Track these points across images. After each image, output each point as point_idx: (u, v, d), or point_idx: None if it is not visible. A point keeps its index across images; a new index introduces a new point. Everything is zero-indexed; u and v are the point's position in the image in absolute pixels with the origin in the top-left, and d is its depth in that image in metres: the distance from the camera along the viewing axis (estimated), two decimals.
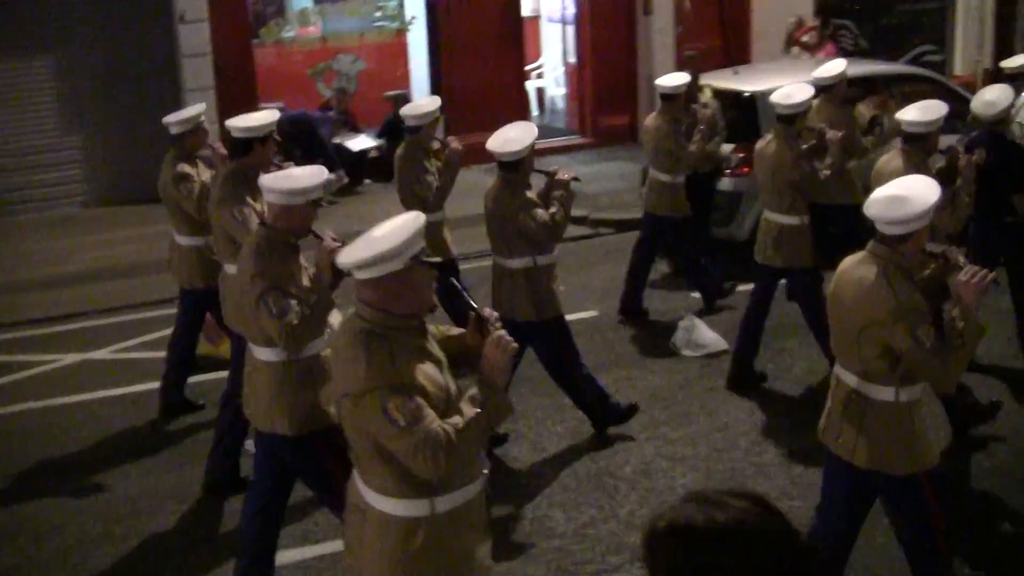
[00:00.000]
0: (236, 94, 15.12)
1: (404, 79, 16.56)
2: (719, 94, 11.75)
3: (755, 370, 8.73)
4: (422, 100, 8.45)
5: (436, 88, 16.23)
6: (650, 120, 10.39)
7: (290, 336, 5.20)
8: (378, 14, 16.75)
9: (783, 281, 8.90)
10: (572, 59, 17.58)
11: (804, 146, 8.51)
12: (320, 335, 5.39)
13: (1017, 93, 8.53)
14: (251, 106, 15.35)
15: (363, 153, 15.48)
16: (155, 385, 8.82)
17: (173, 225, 8.19)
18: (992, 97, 8.13)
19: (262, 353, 5.53)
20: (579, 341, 9.35)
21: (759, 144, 8.67)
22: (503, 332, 3.99)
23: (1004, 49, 20.14)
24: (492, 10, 16.28)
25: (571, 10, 17.48)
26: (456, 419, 3.82)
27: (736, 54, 17.29)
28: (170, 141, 8.08)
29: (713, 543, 2.09)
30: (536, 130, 7.24)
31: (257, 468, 5.86)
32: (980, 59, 20.19)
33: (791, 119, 8.37)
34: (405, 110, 8.77)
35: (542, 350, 7.54)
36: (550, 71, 18.85)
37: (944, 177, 6.96)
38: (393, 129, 13.89)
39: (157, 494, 7.48)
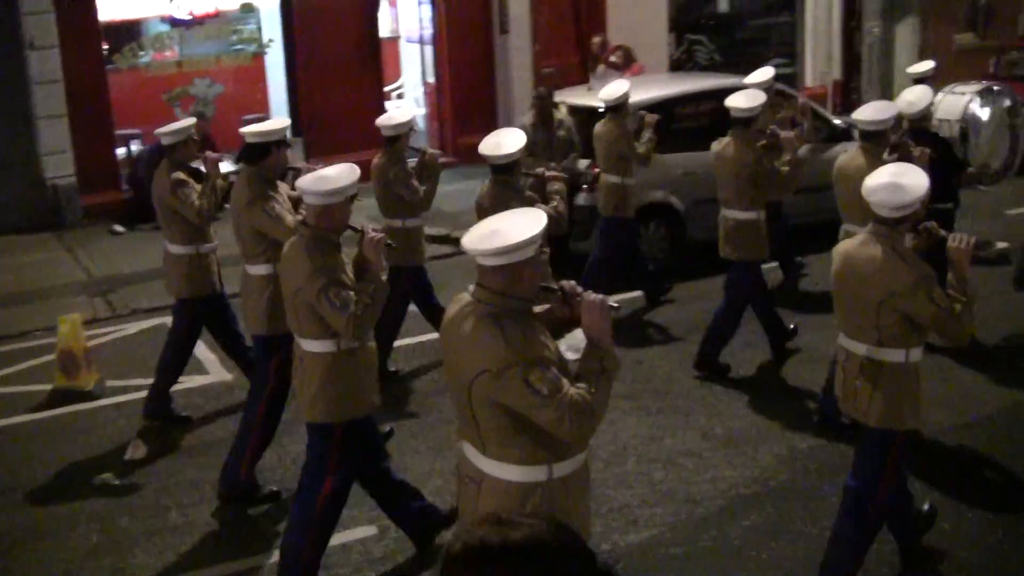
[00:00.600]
0: (90, 121, 14.90)
1: (262, 102, 16.49)
2: (574, 110, 11.94)
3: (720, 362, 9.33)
4: (395, 112, 8.58)
5: (295, 111, 16.22)
6: (598, 127, 10.68)
7: (355, 326, 5.55)
8: (235, 37, 16.63)
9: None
10: (431, 79, 17.69)
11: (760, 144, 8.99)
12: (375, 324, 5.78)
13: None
14: (107, 133, 15.23)
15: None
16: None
17: (166, 235, 8.35)
18: (913, 97, 8.88)
19: (312, 345, 5.81)
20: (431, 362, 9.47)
21: (716, 147, 9.18)
22: (592, 295, 4.31)
23: (851, 61, 20.93)
24: (349, 32, 16.32)
25: (428, 30, 17.59)
26: (582, 384, 4.19)
27: (592, 70, 17.56)
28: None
29: (508, 561, 2.14)
30: (524, 135, 7.65)
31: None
32: (828, 71, 20.90)
33: (747, 122, 8.92)
34: (381, 121, 8.82)
35: None
36: (409, 91, 18.94)
37: None
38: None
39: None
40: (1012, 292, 10.42)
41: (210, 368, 10.02)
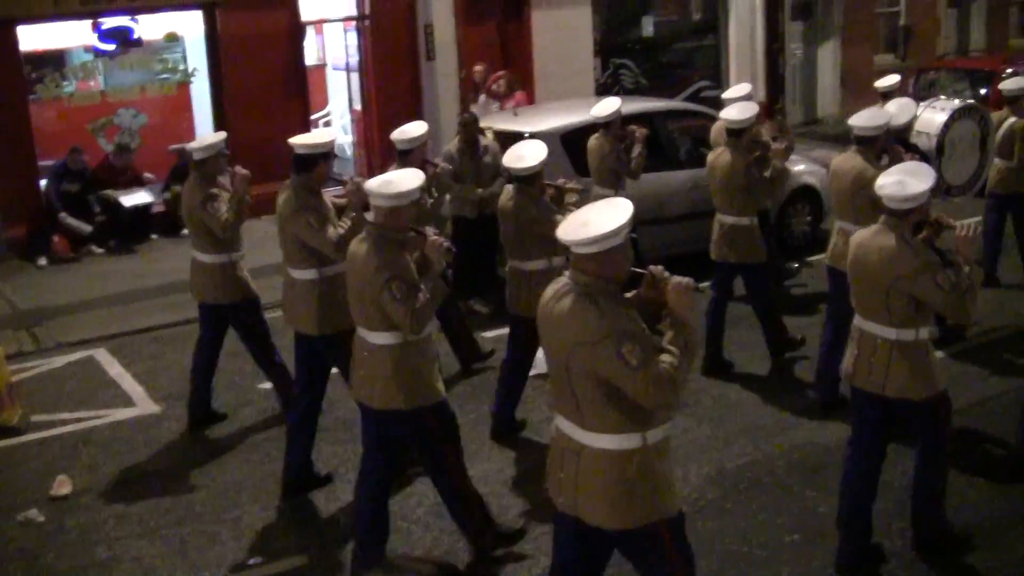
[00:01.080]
0: (12, 151, 14.72)
1: (188, 132, 16.38)
2: (500, 136, 12.02)
3: (724, 358, 9.89)
4: (410, 125, 8.91)
5: None
6: (591, 142, 11.05)
7: (415, 319, 5.98)
8: (159, 67, 16.54)
9: None
10: (358, 106, 17.71)
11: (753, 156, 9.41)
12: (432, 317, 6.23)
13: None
14: (29, 164, 15.04)
15: (143, 209, 15.26)
16: None
17: (196, 246, 8.72)
18: (896, 109, 9.45)
19: (379, 338, 6.19)
20: (340, 393, 9.30)
21: (711, 156, 9.77)
22: (678, 278, 4.82)
23: (774, 83, 21.27)
24: (275, 60, 16.29)
25: (355, 58, 17.61)
26: (667, 357, 4.64)
27: (475, 100, 17.69)
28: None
29: None
30: (544, 148, 7.95)
31: (368, 449, 6.56)
32: (754, 91, 21.19)
33: (740, 133, 9.41)
34: (395, 135, 8.93)
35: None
36: (337, 119, 18.92)
37: None
38: (180, 177, 13.71)
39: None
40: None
41: (138, 401, 9.95)
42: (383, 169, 16.50)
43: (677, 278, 4.81)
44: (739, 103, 9.87)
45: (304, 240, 7.41)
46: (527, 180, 8.07)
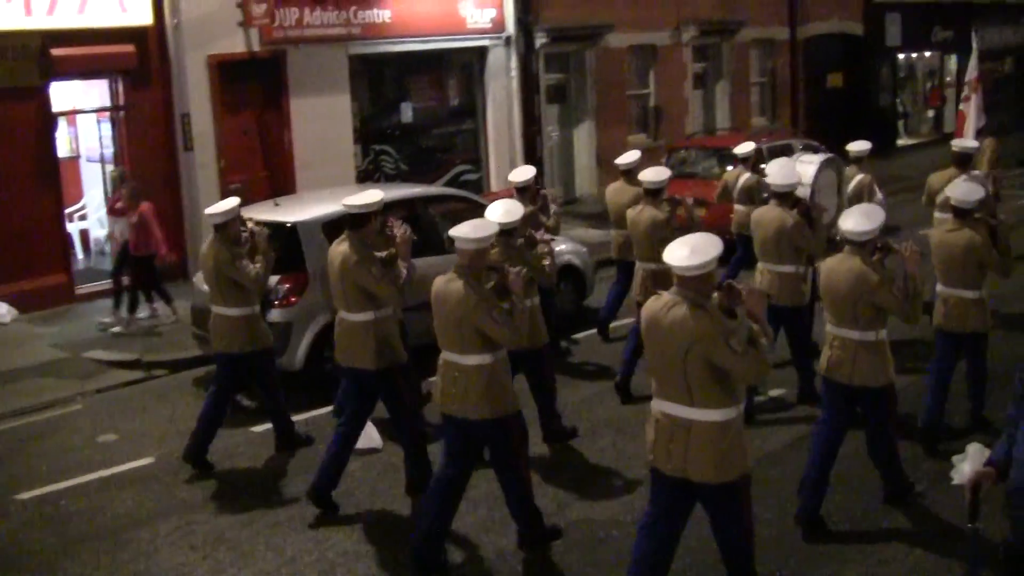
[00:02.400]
0: None
1: None
2: (262, 226, 11.91)
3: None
4: (365, 192, 8.99)
5: None
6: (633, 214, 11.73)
7: (513, 334, 7.30)
8: None
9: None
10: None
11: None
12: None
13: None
14: None
15: None
16: None
17: (219, 300, 9.78)
18: (777, 170, 10.93)
19: (473, 359, 7.39)
20: (130, 492, 9.26)
21: (631, 212, 11.51)
22: (753, 286, 6.56)
23: (533, 163, 21.80)
24: (25, 151, 15.76)
25: (110, 149, 17.26)
26: (754, 347, 6.13)
27: (281, 184, 17.69)
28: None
29: None
30: (522, 207, 8.77)
31: (451, 457, 7.69)
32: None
33: (657, 192, 11.30)
34: (350, 200, 9.01)
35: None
36: (93, 212, 18.42)
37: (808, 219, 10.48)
38: None
39: None
40: None
41: None
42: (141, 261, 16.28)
43: (753, 287, 6.52)
44: (655, 167, 11.90)
45: (366, 287, 8.49)
46: (508, 233, 9.15)
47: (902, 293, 7.76)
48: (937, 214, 12.89)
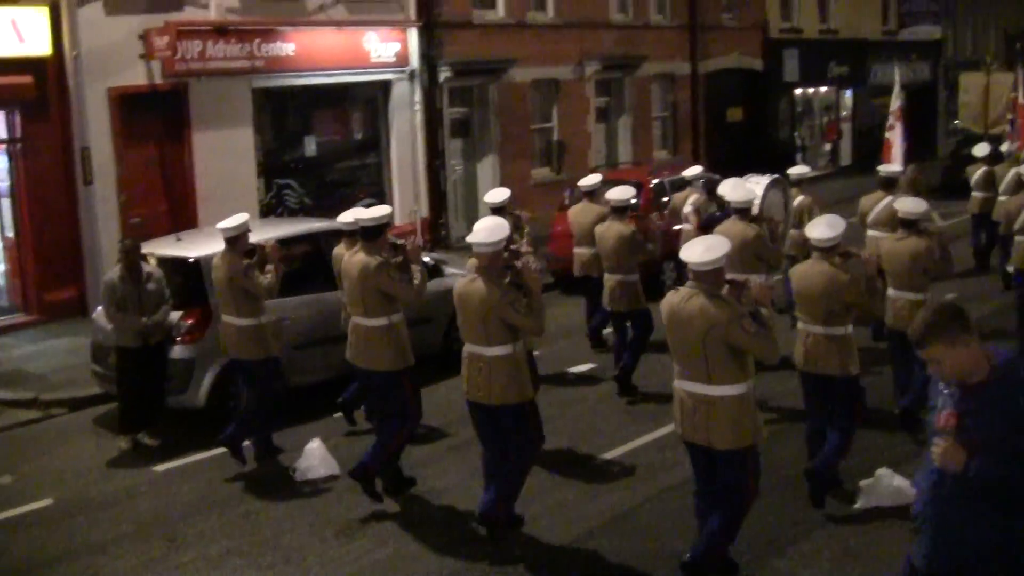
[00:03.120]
0: None
1: None
2: (164, 262, 11.87)
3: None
4: (376, 208, 9.69)
5: None
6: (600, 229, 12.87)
7: (536, 323, 8.17)
8: None
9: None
10: (10, 233, 16.97)
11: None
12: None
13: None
14: None
15: None
16: None
17: (231, 310, 10.42)
18: (730, 189, 12.41)
19: (498, 350, 8.19)
20: (29, 536, 9.11)
21: (600, 228, 12.68)
22: (759, 279, 8.04)
23: (437, 197, 22.00)
24: None
25: (5, 183, 16.96)
26: (767, 325, 7.25)
27: (182, 218, 17.56)
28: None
29: None
30: (507, 225, 8.76)
31: (485, 441, 8.64)
32: (416, 208, 21.84)
33: (623, 209, 12.56)
34: (361, 215, 9.67)
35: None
36: None
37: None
38: None
39: None
40: None
41: None
42: (39, 298, 16.06)
43: (758, 279, 8.01)
44: (620, 186, 12.90)
45: (390, 291, 9.14)
46: (492, 257, 8.90)
47: (871, 288, 8.92)
48: (869, 232, 14.14)
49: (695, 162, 27.73)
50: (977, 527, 4.90)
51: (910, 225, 10.48)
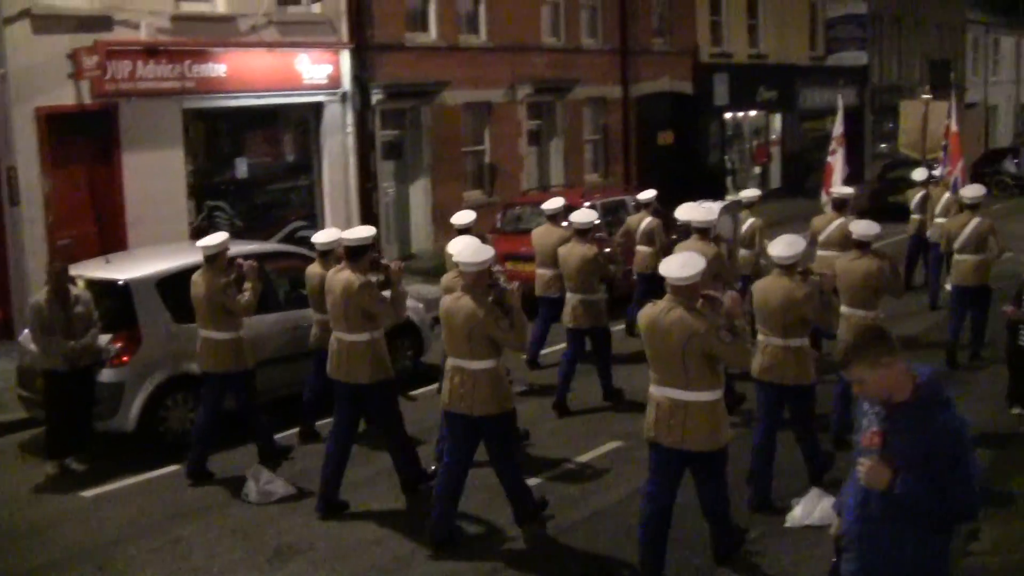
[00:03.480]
0: None
1: None
2: (92, 284, 11.77)
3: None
4: (359, 228, 10.27)
5: None
6: (563, 250, 13.33)
7: (522, 338, 8.72)
8: None
9: None
10: None
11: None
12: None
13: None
14: None
15: None
16: None
17: (209, 324, 10.75)
18: (687, 209, 13.01)
19: (482, 364, 8.66)
20: None
21: (563, 249, 13.11)
22: (731, 292, 8.45)
23: (369, 219, 21.98)
24: None
25: None
26: (742, 335, 7.78)
27: (111, 240, 17.40)
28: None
29: None
30: (488, 249, 9.00)
31: (455, 451, 8.93)
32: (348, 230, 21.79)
33: (586, 231, 12.91)
34: (344, 235, 10.18)
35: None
36: None
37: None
38: None
39: None
40: None
41: None
42: None
43: (732, 294, 8.25)
44: (582, 209, 13.45)
45: (370, 309, 9.58)
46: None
47: (827, 303, 9.57)
48: (820, 252, 14.78)
49: (626, 184, 28.17)
50: (901, 544, 5.03)
51: (863, 246, 11.02)
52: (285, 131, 21.92)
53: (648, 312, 7.88)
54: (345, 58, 21.87)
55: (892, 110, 47.19)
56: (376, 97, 22.39)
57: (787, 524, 9.12)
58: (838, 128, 20.58)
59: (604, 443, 11.58)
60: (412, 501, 10.03)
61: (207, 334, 10.81)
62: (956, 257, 14.37)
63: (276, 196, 21.46)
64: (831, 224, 14.90)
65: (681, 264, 7.82)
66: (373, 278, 9.76)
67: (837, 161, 20.05)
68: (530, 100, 26.93)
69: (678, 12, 32.39)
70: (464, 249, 8.88)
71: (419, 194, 24.18)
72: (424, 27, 24.17)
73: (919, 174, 19.85)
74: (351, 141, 22.16)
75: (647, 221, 16.46)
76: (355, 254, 9.72)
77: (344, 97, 21.94)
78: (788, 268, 9.49)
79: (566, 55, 27.94)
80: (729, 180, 35.13)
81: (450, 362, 8.84)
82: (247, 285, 10.79)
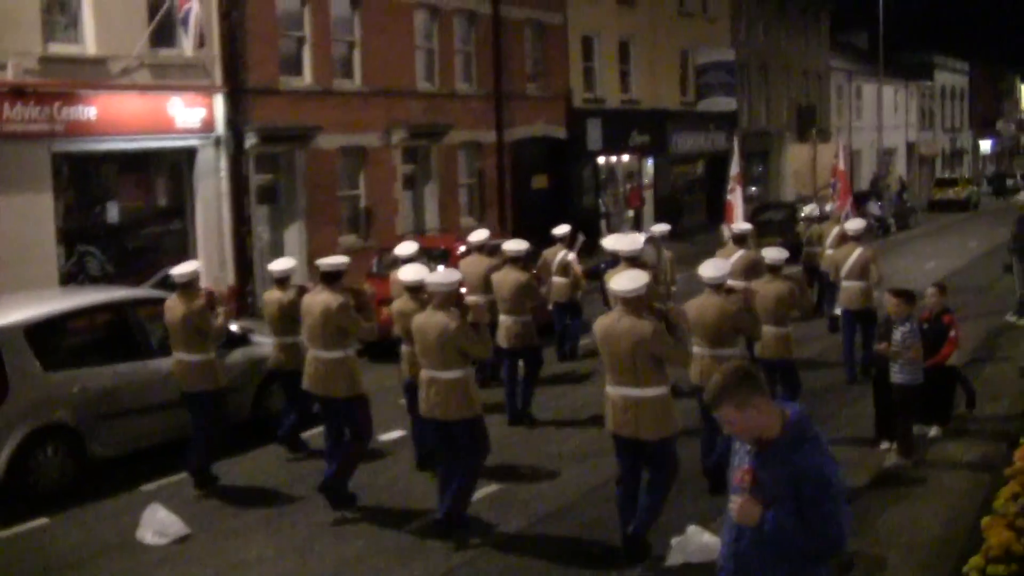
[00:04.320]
0: None
1: None
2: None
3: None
4: (335, 257, 11.52)
5: None
6: (498, 276, 14.62)
7: (486, 350, 10.15)
8: None
9: None
10: None
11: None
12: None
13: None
14: None
15: None
16: None
17: (183, 348, 11.55)
18: (614, 240, 15.69)
19: (454, 374, 9.87)
20: None
21: (497, 276, 14.50)
22: (676, 307, 10.30)
23: (244, 264, 22.00)
24: None
25: None
26: (682, 340, 9.31)
27: None
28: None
29: None
30: (458, 274, 10.42)
31: (441, 453, 10.27)
32: (223, 275, 21.76)
33: (522, 259, 14.51)
34: (325, 261, 11.25)
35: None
36: None
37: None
38: None
39: None
40: None
41: None
42: None
43: (676, 307, 10.25)
44: (515, 239, 14.84)
45: (346, 327, 10.78)
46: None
47: (756, 317, 11.17)
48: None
49: (502, 229, 28.58)
50: None
51: (775, 270, 12.80)
52: (158, 175, 21.82)
53: (602, 321, 9.30)
54: (219, 102, 21.93)
55: (762, 155, 49.01)
56: (250, 141, 22.44)
57: (668, 563, 9.27)
58: (735, 168, 22.54)
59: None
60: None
61: (180, 356, 11.61)
62: (843, 283, 16.22)
63: (148, 241, 21.32)
64: (733, 256, 16.24)
65: (629, 279, 9.18)
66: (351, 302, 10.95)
67: (736, 199, 21.92)
68: (405, 144, 27.22)
69: (551, 58, 33.11)
70: (436, 274, 10.52)
71: (294, 239, 24.21)
72: (298, 71, 24.34)
73: (810, 210, 22.38)
74: (225, 185, 22.15)
75: (562, 254, 17.83)
76: (332, 278, 10.98)
77: (218, 141, 21.95)
78: (717, 287, 10.87)
79: (440, 100, 28.35)
80: (603, 223, 35.76)
81: (424, 373, 10.07)
82: (219, 310, 11.82)
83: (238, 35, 22.32)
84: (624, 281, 9.16)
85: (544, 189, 33.23)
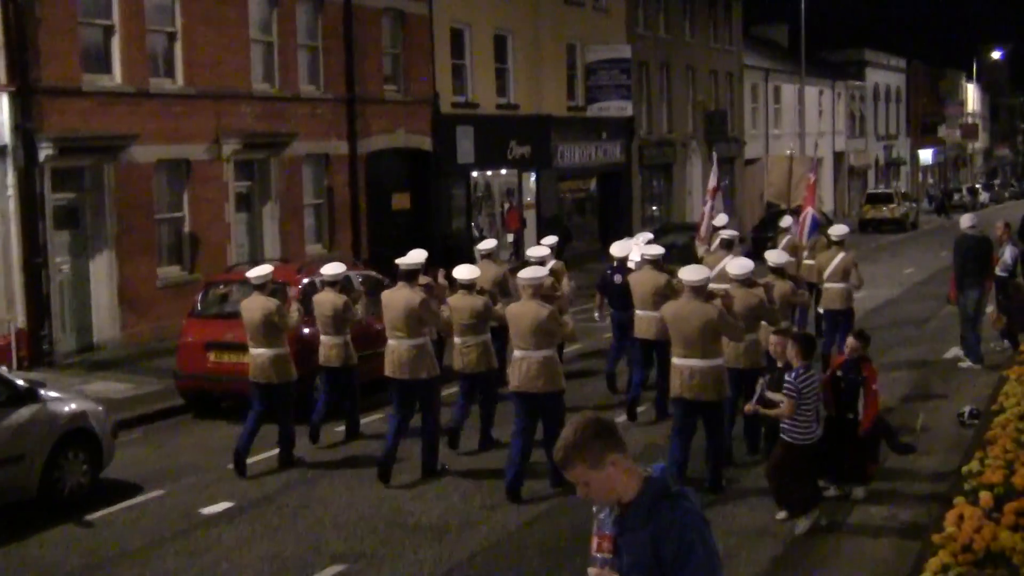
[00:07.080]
0: None
1: None
2: None
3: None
4: (413, 252, 15.08)
5: None
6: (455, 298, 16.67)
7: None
8: None
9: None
10: None
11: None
12: None
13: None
14: None
15: None
16: None
17: (257, 342, 15.01)
18: (617, 248, 19.16)
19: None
20: None
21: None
22: (727, 289, 14.41)
23: (38, 302, 21.30)
24: None
25: None
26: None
27: None
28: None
29: None
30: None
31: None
32: (11, 318, 21.06)
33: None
34: (403, 260, 14.70)
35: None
36: None
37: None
38: None
39: None
40: None
41: None
42: None
43: (727, 289, 13.98)
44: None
45: (427, 320, 14.21)
46: (471, 286, 15.25)
47: (737, 325, 13.21)
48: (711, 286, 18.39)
49: (356, 257, 28.24)
50: None
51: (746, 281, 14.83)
52: None
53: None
54: (3, 104, 21.29)
55: (663, 168, 49.42)
56: (45, 152, 21.75)
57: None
58: (713, 181, 25.36)
59: None
60: None
61: (257, 351, 15.00)
62: (825, 285, 19.93)
63: None
64: (720, 262, 18.35)
65: (695, 271, 13.12)
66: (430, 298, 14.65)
67: (710, 210, 24.01)
68: (238, 157, 26.84)
69: (414, 55, 33.05)
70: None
71: (102, 270, 23.58)
72: (106, 68, 23.79)
73: (785, 222, 24.67)
74: (13, 206, 21.45)
75: (495, 271, 19.40)
76: (411, 276, 14.46)
77: (3, 152, 21.29)
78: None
79: (281, 104, 28.10)
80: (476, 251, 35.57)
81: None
82: (294, 307, 15.61)
83: (27, 22, 21.67)
84: (691, 272, 12.95)
85: (406, 210, 33.10)
